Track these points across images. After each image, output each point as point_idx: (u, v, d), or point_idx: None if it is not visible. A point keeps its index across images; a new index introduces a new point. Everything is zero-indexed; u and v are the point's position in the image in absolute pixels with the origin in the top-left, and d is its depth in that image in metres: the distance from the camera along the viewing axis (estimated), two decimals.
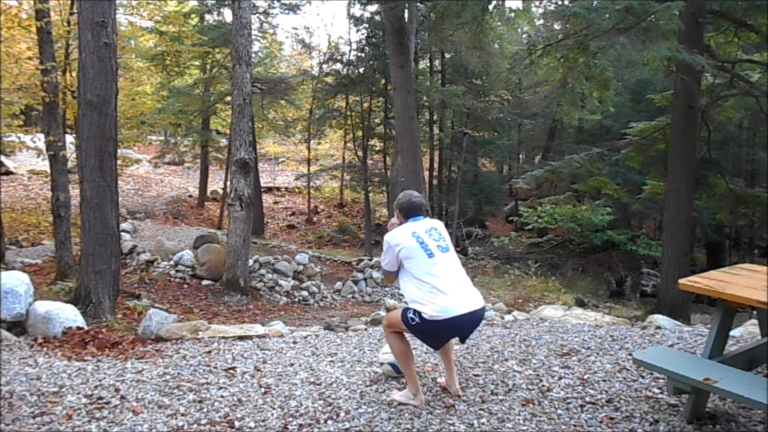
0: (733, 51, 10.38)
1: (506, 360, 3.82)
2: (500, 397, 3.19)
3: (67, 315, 4.63)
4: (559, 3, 12.47)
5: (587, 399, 3.12)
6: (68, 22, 8.61)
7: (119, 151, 7.18)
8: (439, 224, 3.20)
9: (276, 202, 21.02)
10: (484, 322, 5.11)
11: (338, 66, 18.17)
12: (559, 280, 11.76)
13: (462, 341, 3.16)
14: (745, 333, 4.47)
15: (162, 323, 4.82)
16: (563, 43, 8.27)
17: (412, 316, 2.94)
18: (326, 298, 9.59)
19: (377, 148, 19.34)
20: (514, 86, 21.38)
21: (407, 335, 3.14)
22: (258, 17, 17.12)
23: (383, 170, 18.02)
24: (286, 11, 17.36)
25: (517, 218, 16.11)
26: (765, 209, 11.07)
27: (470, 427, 2.85)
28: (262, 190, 18.57)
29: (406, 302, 3.05)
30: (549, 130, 22.20)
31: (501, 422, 2.90)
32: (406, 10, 12.26)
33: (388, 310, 7.12)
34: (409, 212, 3.18)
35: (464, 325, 2.96)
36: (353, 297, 9.91)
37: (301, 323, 7.17)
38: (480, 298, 3.04)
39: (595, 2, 8.05)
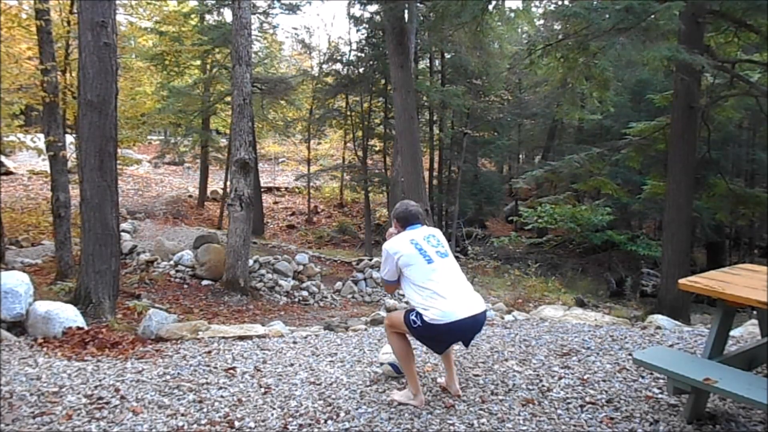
0: (733, 51, 10.36)
1: (506, 360, 3.83)
2: (500, 397, 3.19)
3: (67, 315, 4.63)
4: (559, 3, 12.47)
5: (587, 399, 3.12)
6: (68, 22, 8.61)
7: (119, 151, 7.19)
8: (436, 231, 3.24)
9: (276, 202, 21.03)
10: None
11: (338, 66, 18.18)
12: (559, 280, 11.75)
13: (466, 345, 3.17)
14: (745, 333, 4.47)
15: (162, 323, 4.82)
16: (563, 43, 8.27)
17: (414, 319, 2.95)
18: (326, 298, 9.59)
19: (377, 148, 19.34)
20: (514, 86, 21.37)
21: (409, 336, 3.14)
22: (258, 17, 17.12)
23: (383, 170, 18.02)
24: (286, 11, 17.36)
25: (517, 218, 16.10)
26: (765, 209, 11.06)
27: (470, 427, 2.85)
28: (262, 190, 18.57)
29: (407, 302, 3.05)
30: (549, 130, 22.20)
31: (501, 422, 2.90)
32: (406, 10, 12.25)
33: (388, 310, 7.11)
34: (407, 221, 3.21)
35: (466, 329, 2.97)
36: (353, 297, 9.91)
37: (301, 323, 7.17)
38: (481, 302, 3.04)
39: (595, 2, 8.04)
